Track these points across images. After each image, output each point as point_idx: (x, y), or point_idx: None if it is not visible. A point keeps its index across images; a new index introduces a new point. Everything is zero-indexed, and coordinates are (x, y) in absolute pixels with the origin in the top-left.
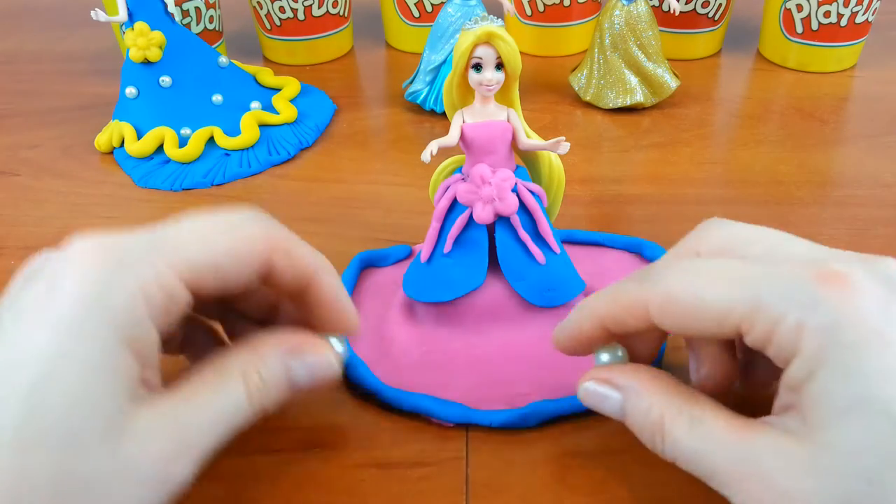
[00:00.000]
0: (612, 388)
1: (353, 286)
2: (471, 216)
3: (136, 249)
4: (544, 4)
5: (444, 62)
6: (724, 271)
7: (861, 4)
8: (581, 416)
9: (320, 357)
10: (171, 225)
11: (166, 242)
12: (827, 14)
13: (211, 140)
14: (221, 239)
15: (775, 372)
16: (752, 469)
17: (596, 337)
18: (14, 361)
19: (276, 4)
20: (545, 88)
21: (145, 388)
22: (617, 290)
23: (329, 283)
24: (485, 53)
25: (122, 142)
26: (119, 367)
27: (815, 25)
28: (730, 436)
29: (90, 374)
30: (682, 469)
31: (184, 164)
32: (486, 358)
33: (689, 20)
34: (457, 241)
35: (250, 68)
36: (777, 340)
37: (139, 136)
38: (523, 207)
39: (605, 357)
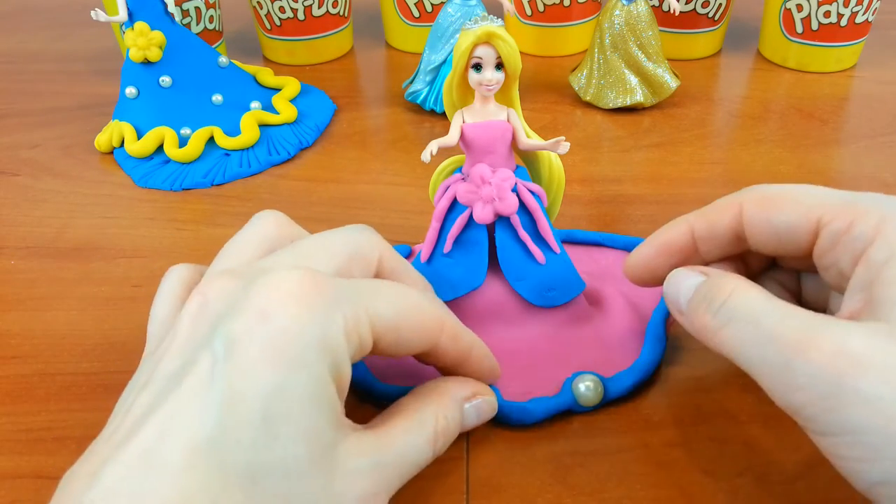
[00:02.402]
0: (699, 273)
1: None
2: (471, 216)
3: (343, 291)
4: (544, 4)
5: (444, 62)
6: (814, 188)
7: (861, 4)
8: (581, 415)
9: (488, 401)
10: (367, 281)
11: (366, 293)
12: (827, 14)
13: (211, 140)
14: (410, 310)
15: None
16: (824, 332)
17: (680, 246)
18: (241, 393)
19: (276, 4)
20: (545, 88)
21: (344, 423)
22: (710, 205)
23: (481, 358)
24: (485, 53)
25: (122, 142)
26: (332, 401)
27: (815, 25)
28: (807, 314)
29: (310, 406)
30: (724, 341)
31: (184, 164)
32: None
33: (689, 20)
34: (457, 241)
35: (250, 68)
36: (859, 229)
37: (139, 136)
38: (523, 207)
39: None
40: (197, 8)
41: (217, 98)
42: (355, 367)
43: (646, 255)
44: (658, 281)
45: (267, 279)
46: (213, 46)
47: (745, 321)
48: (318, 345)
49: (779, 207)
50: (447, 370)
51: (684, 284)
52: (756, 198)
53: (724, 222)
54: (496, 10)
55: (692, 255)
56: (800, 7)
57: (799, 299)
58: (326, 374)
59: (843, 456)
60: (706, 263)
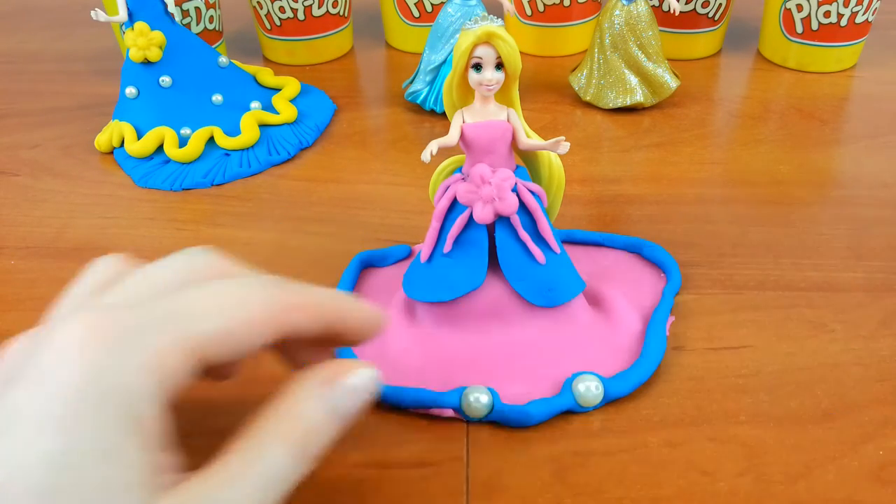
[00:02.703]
0: None
1: (353, 286)
2: (471, 216)
3: (137, 325)
4: (544, 4)
5: (444, 62)
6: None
7: (861, 4)
8: (581, 415)
9: (358, 377)
10: (178, 294)
11: (174, 315)
12: (827, 14)
13: (211, 140)
14: (236, 309)
15: None
16: None
17: None
18: (19, 469)
19: (276, 4)
20: (545, 88)
21: (165, 474)
22: None
23: (349, 308)
24: (485, 53)
25: (122, 142)
26: (131, 459)
27: (815, 25)
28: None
29: (99, 469)
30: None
31: (184, 164)
32: (485, 358)
33: (689, 20)
34: (457, 240)
35: (250, 68)
36: None
37: (139, 136)
38: (523, 207)
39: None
40: (197, 8)
41: (217, 98)
42: None
43: None
44: None
45: (51, 333)
46: (213, 46)
47: None
48: (104, 397)
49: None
50: (327, 341)
51: None
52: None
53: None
54: (496, 10)
55: None
56: (800, 7)
57: None
58: (121, 426)
59: None
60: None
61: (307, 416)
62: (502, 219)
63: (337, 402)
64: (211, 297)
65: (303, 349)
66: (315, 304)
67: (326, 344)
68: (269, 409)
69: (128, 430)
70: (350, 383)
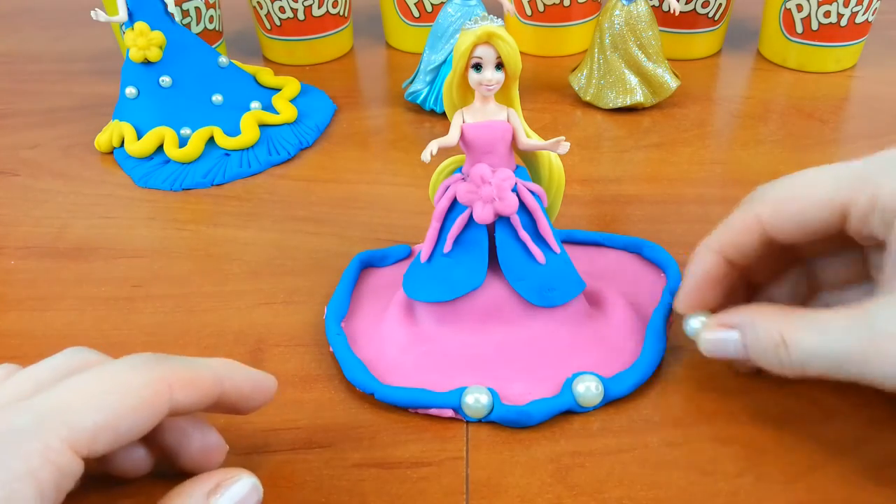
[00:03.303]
0: (727, 329)
1: (353, 286)
2: (471, 216)
3: (19, 430)
4: (544, 4)
5: (444, 62)
6: (818, 171)
7: (861, 4)
8: (581, 415)
9: (242, 484)
10: (57, 389)
11: (53, 416)
12: (827, 14)
13: (211, 140)
14: (116, 397)
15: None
16: (879, 334)
17: (719, 274)
18: None
19: (276, 4)
20: (545, 88)
21: None
22: (725, 222)
23: (238, 376)
24: (485, 53)
25: (122, 142)
26: None
27: (815, 25)
28: (849, 319)
29: None
30: (813, 374)
31: (184, 164)
32: (485, 358)
33: (689, 20)
34: (457, 240)
35: (250, 68)
36: (882, 202)
37: (139, 136)
38: (523, 207)
39: (694, 323)
40: (197, 8)
41: (217, 98)
42: (355, 368)
43: (695, 293)
44: (710, 308)
45: None
46: (213, 46)
47: (815, 359)
48: None
49: (798, 209)
50: (215, 409)
51: (730, 346)
52: (771, 208)
53: (751, 241)
54: (496, 10)
55: (732, 278)
56: (800, 7)
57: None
58: None
59: None
60: (746, 278)
61: None
62: (502, 219)
63: None
64: (93, 385)
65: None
66: (201, 376)
67: (217, 411)
68: None
69: None
70: (235, 492)
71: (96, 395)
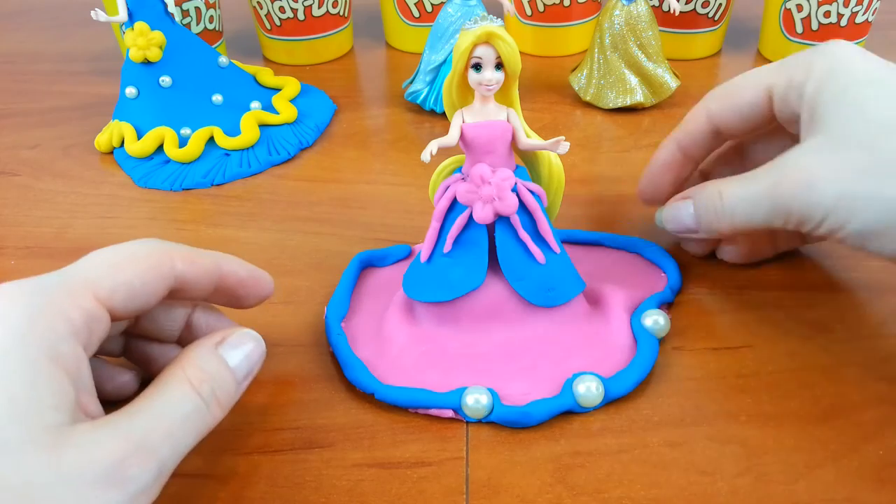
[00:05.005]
0: (683, 199)
1: (353, 286)
2: (471, 216)
3: (50, 282)
4: (544, 4)
5: (444, 62)
6: (756, 69)
7: (861, 4)
8: (581, 415)
9: (247, 338)
10: (76, 262)
11: (78, 273)
12: (827, 14)
13: (211, 140)
14: (128, 262)
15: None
16: (788, 167)
17: (675, 163)
18: None
19: (276, 4)
20: (545, 88)
21: (84, 412)
22: (684, 118)
23: (235, 263)
24: (484, 53)
25: (122, 142)
26: (52, 385)
27: (815, 25)
28: (767, 166)
29: (21, 390)
30: (740, 223)
31: (184, 164)
32: (485, 357)
33: (689, 20)
34: (457, 240)
35: (250, 68)
36: (796, 80)
37: (139, 136)
38: (523, 207)
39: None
40: (197, 8)
41: (217, 98)
42: (355, 367)
43: (652, 177)
44: (665, 196)
45: None
46: (213, 46)
47: (741, 202)
48: (24, 337)
49: (736, 94)
50: (214, 296)
51: (683, 213)
52: (716, 96)
53: (700, 128)
54: (496, 10)
55: (684, 165)
56: (800, 7)
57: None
58: (42, 359)
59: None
60: (697, 164)
61: (205, 366)
62: (502, 219)
63: (233, 363)
64: (108, 255)
65: (203, 318)
66: (201, 255)
67: (221, 303)
68: (174, 364)
69: (49, 361)
70: (237, 343)
71: (110, 262)
